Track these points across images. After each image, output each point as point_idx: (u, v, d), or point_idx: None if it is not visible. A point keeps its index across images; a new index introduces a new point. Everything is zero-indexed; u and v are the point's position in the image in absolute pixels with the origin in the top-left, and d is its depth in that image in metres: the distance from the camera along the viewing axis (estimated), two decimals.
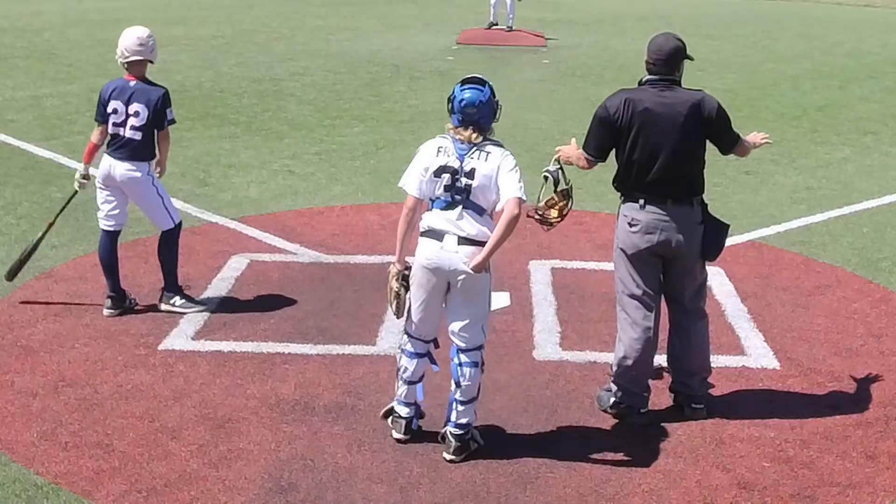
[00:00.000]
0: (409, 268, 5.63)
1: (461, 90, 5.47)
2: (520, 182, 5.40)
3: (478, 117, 5.45)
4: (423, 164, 5.53)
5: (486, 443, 5.70)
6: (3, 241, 8.86)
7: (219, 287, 7.91)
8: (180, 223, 7.52)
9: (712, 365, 6.70)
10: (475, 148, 5.46)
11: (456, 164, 5.45)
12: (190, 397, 6.21)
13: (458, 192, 5.45)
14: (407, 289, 5.65)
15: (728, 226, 6.07)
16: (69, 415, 5.97)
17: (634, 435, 5.85)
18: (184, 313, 7.35)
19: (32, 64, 17.89)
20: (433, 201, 5.54)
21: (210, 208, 9.87)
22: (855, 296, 7.98)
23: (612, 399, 6.04)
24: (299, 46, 20.07)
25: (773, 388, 6.46)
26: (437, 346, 5.78)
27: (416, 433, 5.76)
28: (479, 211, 5.48)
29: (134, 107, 7.16)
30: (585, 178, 11.20)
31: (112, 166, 7.26)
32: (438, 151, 5.50)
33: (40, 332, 7.08)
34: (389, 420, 5.82)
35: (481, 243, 5.43)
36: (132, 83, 7.24)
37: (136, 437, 5.74)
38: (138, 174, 7.22)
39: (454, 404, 5.64)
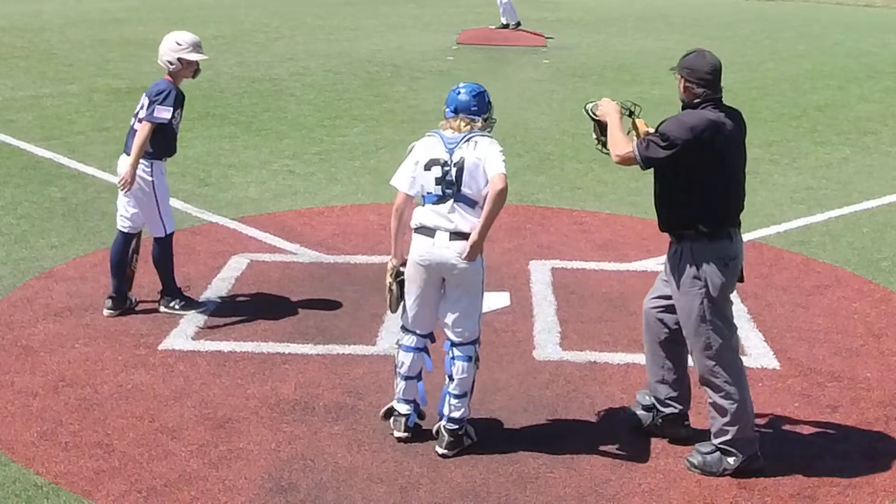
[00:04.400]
0: (404, 264, 5.69)
1: (458, 86, 5.69)
2: (504, 161, 5.50)
3: (470, 106, 5.59)
4: (414, 158, 5.63)
5: (486, 443, 5.70)
6: (2, 241, 8.86)
7: (219, 287, 7.91)
8: (172, 233, 7.43)
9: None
10: (463, 139, 5.54)
11: (445, 157, 5.53)
12: (190, 397, 6.21)
13: (448, 185, 5.50)
14: (401, 284, 5.71)
15: None
16: (69, 415, 5.97)
17: (634, 435, 5.84)
18: (183, 315, 7.34)
19: (32, 64, 17.88)
20: (424, 197, 5.59)
21: (210, 208, 9.87)
22: (855, 296, 7.98)
23: (737, 461, 5.47)
24: (299, 46, 20.07)
25: (773, 388, 6.46)
26: (432, 341, 5.80)
27: (417, 432, 5.75)
28: (470, 204, 5.53)
29: (143, 99, 7.18)
30: (585, 178, 11.23)
31: (120, 161, 7.26)
32: (428, 146, 5.61)
33: (40, 332, 7.08)
34: (391, 420, 5.82)
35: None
36: (159, 81, 7.26)
37: (136, 437, 5.74)
38: (139, 171, 7.18)
39: (447, 397, 5.66)
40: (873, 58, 20.42)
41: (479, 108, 5.61)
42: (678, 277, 5.43)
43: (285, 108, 14.58)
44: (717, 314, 5.39)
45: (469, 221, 5.49)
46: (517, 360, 6.79)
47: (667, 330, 5.65)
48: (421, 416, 5.82)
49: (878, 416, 6.11)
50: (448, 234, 5.48)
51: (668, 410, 5.75)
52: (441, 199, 5.52)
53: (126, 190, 7.12)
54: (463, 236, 5.48)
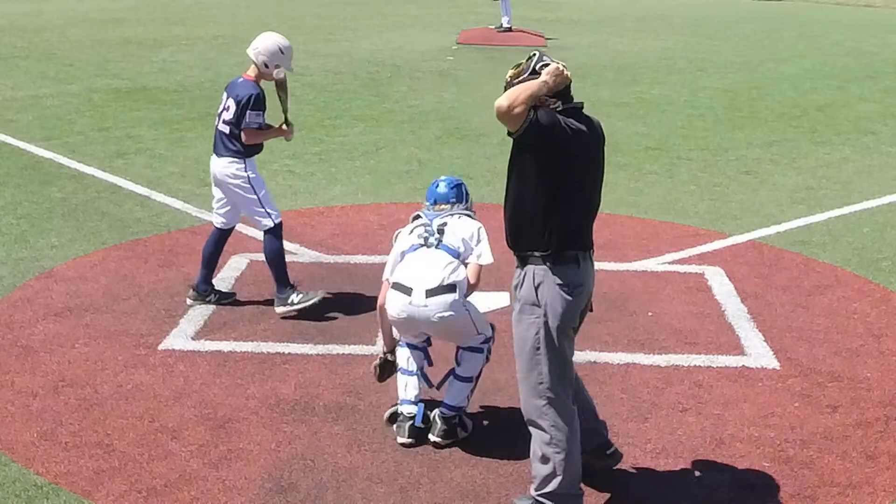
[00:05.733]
0: (393, 352, 5.90)
1: (437, 180, 6.03)
2: (491, 252, 5.77)
3: (449, 197, 5.89)
4: (397, 245, 5.85)
5: (486, 443, 5.71)
6: (3, 241, 8.86)
7: (219, 287, 7.89)
8: (280, 223, 7.45)
9: (713, 364, 6.72)
10: (447, 213, 5.83)
11: (428, 221, 5.81)
12: (190, 397, 6.21)
13: (430, 234, 5.73)
14: (385, 370, 5.96)
15: None
16: (69, 415, 5.97)
17: (634, 435, 5.84)
18: (303, 308, 7.29)
19: (32, 64, 17.89)
20: (405, 251, 5.76)
21: (210, 208, 9.82)
22: (855, 296, 7.98)
23: None
24: (299, 46, 19.97)
25: (773, 388, 6.46)
26: (429, 344, 5.89)
27: (420, 435, 5.72)
28: (452, 253, 5.69)
29: (228, 101, 7.27)
30: None
31: (212, 161, 7.39)
32: (413, 222, 5.89)
33: (40, 332, 7.08)
34: (395, 426, 5.79)
35: (451, 287, 5.57)
36: (240, 80, 7.33)
37: (136, 437, 5.74)
38: (230, 170, 7.26)
39: (451, 379, 5.77)
40: (873, 58, 20.43)
41: (457, 198, 5.89)
42: (518, 304, 4.91)
43: None
44: (555, 348, 4.86)
45: (448, 271, 5.61)
46: None
47: None
48: (425, 419, 5.82)
49: (878, 416, 6.11)
50: (424, 292, 5.56)
51: (585, 444, 5.21)
52: (423, 246, 5.70)
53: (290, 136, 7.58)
54: (444, 289, 5.56)
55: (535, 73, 4.78)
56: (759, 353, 6.92)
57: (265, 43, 7.29)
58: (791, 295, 7.96)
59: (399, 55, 19.35)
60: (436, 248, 5.67)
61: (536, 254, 4.82)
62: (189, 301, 7.49)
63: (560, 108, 4.80)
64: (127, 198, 10.24)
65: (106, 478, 5.34)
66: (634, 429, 5.92)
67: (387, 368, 5.97)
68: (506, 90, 4.81)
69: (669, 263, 8.60)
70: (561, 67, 4.76)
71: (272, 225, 7.39)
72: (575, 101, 4.92)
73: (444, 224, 5.76)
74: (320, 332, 7.16)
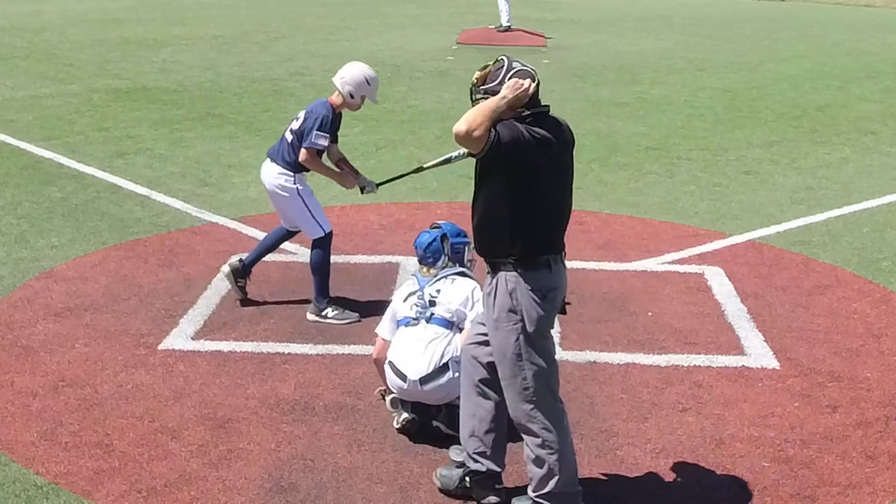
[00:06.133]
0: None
1: (418, 238, 6.03)
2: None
3: (426, 259, 5.95)
4: (394, 304, 5.91)
5: None
6: (3, 241, 8.86)
7: (219, 287, 7.89)
8: (331, 232, 7.43)
9: (713, 364, 6.71)
10: (438, 278, 5.85)
11: (419, 289, 5.83)
12: (190, 397, 6.21)
13: (422, 307, 5.75)
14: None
15: None
16: (69, 415, 5.97)
17: (634, 435, 5.85)
18: (337, 324, 7.26)
19: (32, 64, 17.89)
20: (399, 321, 5.82)
21: (210, 208, 9.87)
22: (855, 296, 7.98)
23: None
24: (299, 46, 20.07)
25: (773, 388, 6.46)
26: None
27: (418, 432, 5.73)
28: (446, 325, 5.71)
29: (301, 113, 7.30)
30: (585, 178, 11.22)
31: (263, 167, 7.41)
32: (407, 286, 5.95)
33: (40, 332, 7.08)
34: (399, 407, 5.78)
35: (444, 368, 5.61)
36: (323, 99, 7.33)
37: (136, 437, 5.74)
38: (279, 181, 7.26)
39: None
40: (873, 58, 20.44)
41: (433, 259, 5.96)
42: (493, 313, 4.81)
43: (285, 108, 14.56)
44: (536, 352, 4.80)
45: (441, 347, 5.63)
46: None
47: (482, 368, 5.04)
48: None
49: (878, 416, 6.11)
50: (419, 380, 5.60)
51: (474, 467, 5.15)
52: (415, 322, 5.74)
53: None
54: (437, 373, 5.60)
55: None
56: (759, 353, 6.92)
57: (351, 72, 7.27)
58: (791, 295, 7.96)
59: (399, 55, 19.36)
60: (427, 322, 5.71)
61: (508, 260, 4.75)
62: (225, 269, 7.51)
63: (525, 114, 4.70)
64: (127, 198, 10.24)
65: (106, 478, 5.34)
66: (634, 429, 5.92)
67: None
68: (471, 94, 4.83)
69: (669, 263, 8.60)
70: (521, 82, 4.65)
71: (322, 234, 7.37)
72: (542, 104, 4.85)
73: (438, 291, 5.78)
74: (320, 332, 7.17)
